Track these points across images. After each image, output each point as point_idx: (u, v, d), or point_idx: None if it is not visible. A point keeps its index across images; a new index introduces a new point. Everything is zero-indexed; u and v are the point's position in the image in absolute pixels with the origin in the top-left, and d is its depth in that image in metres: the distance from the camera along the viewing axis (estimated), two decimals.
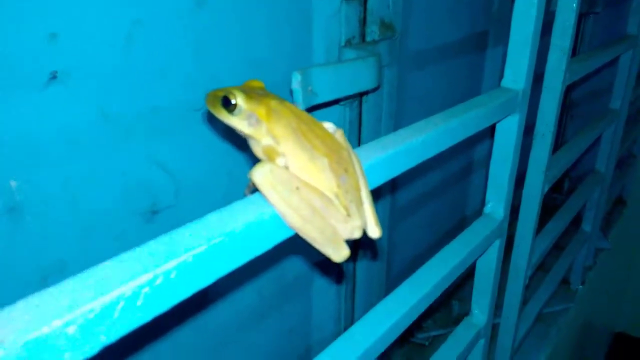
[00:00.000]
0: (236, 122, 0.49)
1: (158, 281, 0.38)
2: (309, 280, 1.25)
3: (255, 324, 1.13)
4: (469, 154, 1.91)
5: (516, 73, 0.90)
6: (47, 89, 0.66)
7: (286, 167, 0.47)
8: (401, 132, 0.66)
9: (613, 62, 1.53)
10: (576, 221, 1.78)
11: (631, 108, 1.84)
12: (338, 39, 1.05)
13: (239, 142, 0.91)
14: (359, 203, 0.50)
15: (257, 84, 0.53)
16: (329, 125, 0.53)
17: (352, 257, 1.33)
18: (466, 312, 1.11)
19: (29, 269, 0.72)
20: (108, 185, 0.76)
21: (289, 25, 0.97)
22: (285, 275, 1.17)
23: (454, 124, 0.72)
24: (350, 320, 1.37)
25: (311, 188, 0.46)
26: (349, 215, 0.48)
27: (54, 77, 0.66)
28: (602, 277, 2.13)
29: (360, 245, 1.31)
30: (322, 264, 1.24)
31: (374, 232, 0.53)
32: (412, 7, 1.29)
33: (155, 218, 0.80)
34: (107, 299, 0.35)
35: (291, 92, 0.81)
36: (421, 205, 1.68)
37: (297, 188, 0.46)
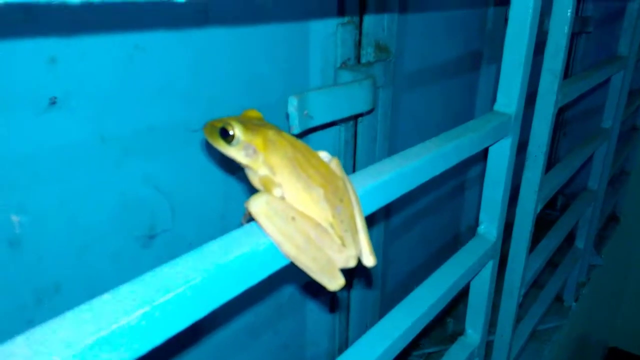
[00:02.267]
0: (233, 152, 0.49)
1: (156, 314, 0.38)
2: (303, 298, 1.26)
3: (250, 341, 1.13)
4: (462, 173, 1.92)
5: (508, 97, 0.92)
6: (46, 114, 0.67)
7: (282, 198, 0.48)
8: (395, 158, 0.67)
9: (605, 82, 1.56)
10: (569, 238, 1.79)
11: (623, 126, 1.87)
12: (334, 60, 1.07)
13: (235, 170, 0.92)
14: (354, 232, 0.51)
15: (254, 114, 0.54)
16: (324, 155, 0.54)
17: (348, 281, 1.33)
18: (461, 331, 1.11)
19: (25, 290, 0.72)
20: (105, 207, 0.77)
21: (286, 47, 0.98)
22: (281, 294, 1.17)
23: (447, 149, 0.73)
24: (344, 337, 1.38)
25: (306, 218, 0.47)
26: (344, 244, 0.49)
27: (53, 102, 0.67)
28: (595, 294, 2.14)
29: (355, 274, 1.32)
30: (317, 286, 1.24)
31: (369, 260, 0.53)
32: (407, 29, 1.31)
33: (152, 242, 0.81)
34: (106, 332, 0.35)
35: (287, 115, 0.82)
36: (415, 223, 1.69)
37: (293, 218, 0.46)
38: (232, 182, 0.93)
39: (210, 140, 0.50)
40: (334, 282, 0.49)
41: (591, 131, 1.63)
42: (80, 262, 0.76)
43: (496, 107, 0.93)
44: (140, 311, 0.38)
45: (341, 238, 0.49)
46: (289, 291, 1.20)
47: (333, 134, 1.09)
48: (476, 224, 1.91)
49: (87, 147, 0.73)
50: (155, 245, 0.81)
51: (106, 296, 0.39)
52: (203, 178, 0.88)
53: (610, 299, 2.62)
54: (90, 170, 0.74)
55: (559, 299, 1.89)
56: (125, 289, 0.39)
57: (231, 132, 0.48)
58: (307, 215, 0.48)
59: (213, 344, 1.02)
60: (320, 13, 1.01)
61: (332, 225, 0.49)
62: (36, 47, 0.65)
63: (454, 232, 1.99)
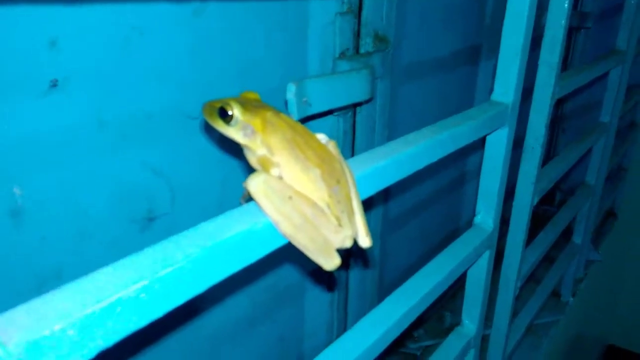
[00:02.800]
0: (232, 132, 0.50)
1: (155, 287, 0.39)
2: (301, 288, 1.26)
3: (247, 331, 1.14)
4: (462, 165, 1.93)
5: (505, 87, 0.92)
6: (47, 96, 0.68)
7: (280, 177, 0.48)
8: (392, 144, 0.68)
9: (603, 77, 1.56)
10: (567, 233, 1.80)
11: (621, 122, 1.87)
12: (332, 50, 1.07)
13: (234, 150, 0.92)
14: (351, 213, 0.52)
15: (253, 95, 0.55)
16: (322, 137, 0.55)
17: (345, 266, 1.34)
18: (458, 323, 1.12)
19: (27, 274, 0.73)
20: (104, 191, 0.77)
21: (284, 35, 0.99)
22: (278, 283, 1.18)
23: (444, 136, 0.74)
24: (342, 329, 1.38)
25: (303, 198, 0.48)
26: (340, 225, 0.50)
27: (54, 85, 0.67)
28: (593, 289, 2.15)
29: (352, 255, 1.32)
30: (315, 272, 1.25)
31: (365, 241, 0.54)
32: (406, 20, 1.31)
33: (151, 225, 0.81)
34: (105, 303, 0.36)
35: (286, 102, 0.82)
36: (414, 216, 1.69)
37: (290, 197, 0.47)
38: (229, 167, 0.93)
39: (209, 120, 0.51)
40: (330, 262, 0.50)
41: (589, 128, 1.64)
42: (81, 246, 0.77)
43: (493, 96, 0.94)
44: (140, 284, 0.38)
45: (337, 218, 0.50)
46: (286, 282, 1.20)
47: (331, 123, 1.10)
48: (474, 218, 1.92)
49: (86, 130, 0.73)
50: (155, 227, 0.81)
51: (107, 269, 0.39)
52: (201, 163, 0.88)
53: (608, 296, 2.63)
54: (89, 153, 0.74)
55: (556, 294, 1.89)
56: (125, 262, 0.40)
57: (230, 113, 0.49)
58: (304, 194, 0.48)
59: (210, 334, 1.03)
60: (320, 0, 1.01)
61: (328, 205, 0.49)
62: (37, 30, 0.65)
63: (454, 225, 2.00)
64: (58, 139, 0.70)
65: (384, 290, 1.52)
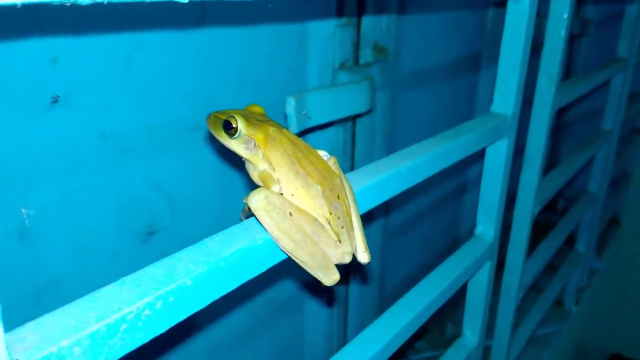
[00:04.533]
0: (235, 145, 0.51)
1: (158, 304, 0.39)
2: (300, 301, 1.26)
3: (247, 343, 1.13)
4: (462, 175, 1.93)
5: (505, 98, 0.92)
6: (49, 112, 0.68)
7: (280, 193, 0.49)
8: (392, 157, 0.68)
9: (605, 84, 1.56)
10: (570, 241, 1.79)
11: (624, 129, 1.87)
12: (332, 61, 1.08)
13: (234, 162, 0.92)
14: (350, 229, 0.52)
15: (257, 109, 0.55)
16: (323, 154, 0.55)
17: (345, 278, 1.34)
18: (459, 334, 1.11)
19: (25, 285, 0.73)
20: (106, 205, 0.78)
21: (284, 48, 0.99)
22: (277, 296, 1.18)
23: (444, 148, 0.74)
24: (342, 340, 1.38)
25: (304, 214, 0.48)
26: (339, 241, 0.50)
27: (55, 101, 0.68)
28: (596, 298, 2.14)
29: (352, 267, 1.32)
30: (314, 284, 1.25)
31: (363, 257, 0.54)
32: (405, 30, 1.31)
33: (151, 239, 0.81)
34: (110, 320, 0.36)
35: (285, 115, 0.83)
36: (414, 226, 1.69)
37: (290, 214, 0.47)
38: (229, 181, 0.94)
39: (213, 132, 0.51)
40: (329, 277, 0.50)
41: (592, 135, 1.64)
42: (80, 259, 0.77)
43: (493, 108, 0.94)
44: (144, 301, 0.39)
45: (337, 234, 0.50)
46: (286, 294, 1.20)
47: (331, 134, 1.10)
48: (473, 228, 1.91)
49: (89, 145, 0.74)
50: (155, 241, 0.81)
51: (111, 286, 0.40)
52: (201, 177, 0.89)
53: (612, 304, 2.62)
54: (91, 168, 0.75)
55: (559, 302, 1.88)
56: (129, 280, 0.40)
57: (234, 125, 0.50)
58: (305, 211, 0.49)
59: (210, 346, 1.03)
60: (319, 13, 1.01)
61: (328, 222, 0.49)
62: (38, 47, 0.66)
63: (454, 235, 1.99)
64: (60, 154, 0.71)
65: (384, 301, 1.52)
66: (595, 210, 1.77)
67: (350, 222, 0.53)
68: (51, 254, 0.74)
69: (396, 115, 1.35)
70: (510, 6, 0.88)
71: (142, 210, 0.80)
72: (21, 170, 0.68)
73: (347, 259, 0.52)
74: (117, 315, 0.37)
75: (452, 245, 1.99)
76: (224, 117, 0.51)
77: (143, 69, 0.78)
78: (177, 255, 0.44)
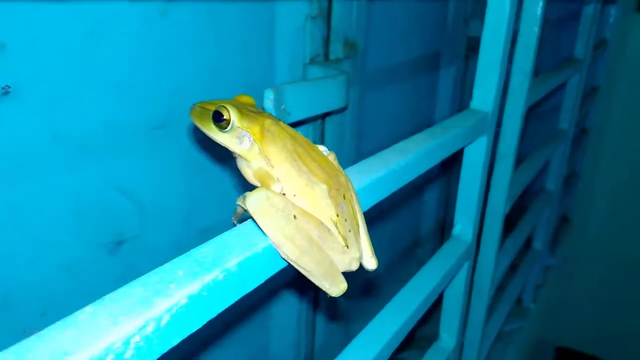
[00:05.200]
0: (226, 139, 0.44)
1: (149, 328, 0.32)
2: (267, 306, 1.20)
3: (215, 352, 1.06)
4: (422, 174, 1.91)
5: (485, 94, 0.90)
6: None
7: (283, 194, 0.43)
8: (383, 155, 0.63)
9: (562, 84, 1.58)
10: (527, 240, 1.81)
11: (575, 128, 1.92)
12: (302, 56, 1.02)
13: (215, 157, 0.85)
14: (357, 232, 0.47)
15: (247, 99, 0.49)
16: (322, 149, 0.49)
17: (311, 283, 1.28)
18: (429, 334, 1.08)
19: None
20: (61, 211, 0.69)
21: (253, 40, 0.93)
22: (243, 302, 1.11)
23: (433, 144, 0.70)
24: (310, 347, 1.32)
25: (309, 217, 0.42)
26: (347, 246, 0.44)
27: (6, 92, 0.59)
28: (551, 295, 2.19)
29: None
30: (282, 289, 1.19)
31: (371, 263, 0.49)
32: (371, 26, 1.28)
33: (120, 249, 0.73)
34: (93, 352, 0.29)
35: (263, 110, 0.76)
36: (376, 226, 1.66)
37: (295, 217, 0.41)
38: (199, 182, 0.86)
39: (199, 125, 0.44)
40: (337, 287, 0.45)
41: (544, 135, 1.66)
42: (33, 272, 0.68)
43: (472, 104, 0.91)
44: (132, 325, 0.32)
45: (345, 239, 0.44)
46: (252, 300, 1.13)
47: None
48: (436, 225, 1.90)
49: (41, 144, 0.65)
50: (123, 252, 0.73)
51: (90, 309, 0.33)
52: (169, 178, 0.81)
53: (562, 299, 2.70)
54: (43, 169, 0.66)
55: (518, 300, 1.90)
56: (110, 300, 0.33)
57: (225, 117, 0.43)
58: (310, 213, 0.43)
59: (171, 354, 0.95)
60: None
61: (335, 225, 0.44)
62: None
63: (415, 234, 1.98)
64: (9, 153, 0.62)
65: (351, 302, 1.48)
66: (551, 208, 1.80)
67: (357, 224, 0.47)
68: None
69: (363, 112, 1.31)
70: (491, 1, 0.85)
71: (106, 217, 0.71)
72: None
73: (355, 266, 0.46)
74: (101, 346, 0.30)
75: (417, 241, 1.98)
76: (213, 108, 0.44)
77: (102, 60, 0.70)
78: (167, 267, 0.37)
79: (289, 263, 0.43)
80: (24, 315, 0.70)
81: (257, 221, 0.41)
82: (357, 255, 0.46)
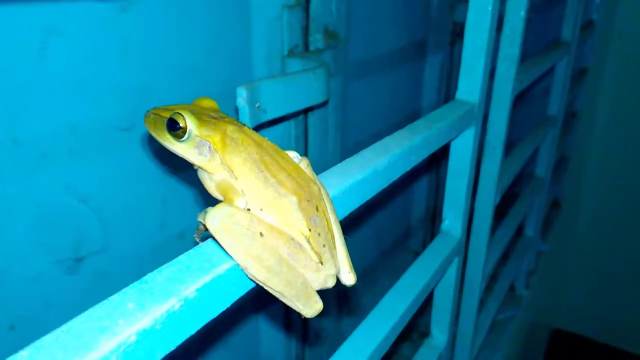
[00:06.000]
0: (183, 150, 0.40)
1: None
2: (255, 310, 1.16)
3: (201, 354, 1.02)
4: None
5: (471, 85, 0.86)
6: None
7: (248, 209, 0.38)
8: (364, 154, 0.59)
9: (550, 69, 1.55)
10: (518, 227, 1.79)
11: (564, 111, 1.88)
12: (280, 47, 0.98)
13: (179, 165, 0.81)
14: (332, 247, 0.43)
15: (209, 103, 0.44)
16: (293, 155, 0.45)
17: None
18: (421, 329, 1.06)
19: None
20: (18, 223, 0.64)
21: (226, 32, 0.88)
22: (230, 307, 1.07)
23: (418, 141, 0.66)
24: (301, 349, 1.29)
25: (278, 233, 0.38)
26: (321, 262, 0.40)
27: None
28: (542, 280, 2.17)
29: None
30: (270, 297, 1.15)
31: (349, 279, 0.45)
32: (352, 15, 1.23)
33: (80, 266, 0.68)
34: None
35: (236, 109, 0.72)
36: (365, 218, 1.63)
37: (262, 234, 0.37)
38: (170, 185, 0.82)
39: (154, 133, 0.40)
40: (311, 307, 0.41)
41: (533, 117, 1.63)
42: None
43: (458, 95, 0.87)
44: None
45: (318, 254, 0.40)
46: (239, 304, 1.09)
47: (282, 130, 1.00)
48: (426, 215, 1.87)
49: (0, 150, 0.60)
50: (84, 270, 0.68)
51: (23, 354, 0.28)
52: (136, 184, 0.76)
53: (554, 283, 2.69)
54: (1, 177, 0.61)
55: (510, 288, 1.88)
56: (50, 340, 0.29)
57: (181, 125, 0.39)
58: (278, 229, 0.39)
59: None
60: None
61: (308, 240, 0.40)
62: None
63: (405, 225, 1.95)
64: None
65: (342, 301, 1.45)
66: (542, 194, 1.77)
67: (332, 237, 0.43)
68: None
69: (347, 105, 1.27)
70: None
71: (66, 230, 0.67)
72: None
73: (331, 283, 0.42)
74: None
75: (405, 235, 1.95)
76: (167, 115, 0.40)
77: (62, 59, 0.65)
78: (115, 298, 0.33)
79: (257, 284, 0.39)
80: None
81: (219, 241, 0.37)
82: (333, 271, 0.42)
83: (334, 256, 0.42)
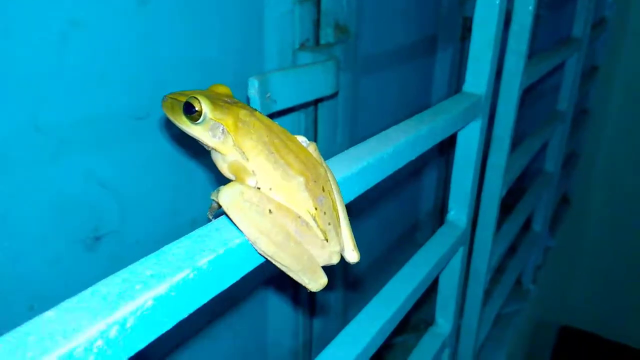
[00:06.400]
0: (198, 132, 0.43)
1: (112, 332, 0.31)
2: (264, 296, 1.19)
3: (208, 344, 1.06)
4: (418, 157, 1.90)
5: (478, 77, 0.88)
6: None
7: (258, 188, 0.41)
8: (370, 142, 0.62)
9: (560, 64, 1.56)
10: (525, 221, 1.80)
11: (575, 109, 1.89)
12: (291, 41, 1.00)
13: (193, 152, 0.84)
14: (337, 225, 0.45)
15: (223, 89, 0.47)
16: (302, 139, 0.48)
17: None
18: (426, 319, 1.08)
19: None
20: (42, 205, 0.68)
21: (239, 25, 0.91)
22: (239, 293, 1.10)
23: (424, 131, 0.69)
24: (309, 334, 1.32)
25: (286, 211, 0.41)
26: (326, 239, 0.43)
27: None
28: (550, 275, 2.18)
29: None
30: (279, 279, 1.18)
31: (352, 256, 0.48)
32: (364, 10, 1.25)
33: (98, 245, 0.72)
34: (52, 358, 0.28)
35: (247, 99, 0.75)
36: (373, 211, 1.65)
37: (270, 211, 0.40)
38: (183, 174, 0.85)
39: (171, 117, 0.43)
40: (316, 282, 0.43)
41: (543, 116, 1.64)
42: (15, 267, 0.67)
43: (465, 87, 0.89)
44: (95, 329, 0.31)
45: (324, 232, 0.43)
46: (249, 289, 1.13)
47: (292, 120, 1.02)
48: (434, 208, 1.89)
49: (20, 137, 0.63)
50: (102, 247, 0.72)
51: (52, 313, 0.31)
52: (151, 171, 0.79)
53: (562, 280, 2.69)
54: (23, 163, 0.64)
55: (517, 282, 1.90)
56: (74, 303, 0.32)
57: (197, 108, 0.41)
58: (286, 207, 0.41)
59: (169, 348, 0.94)
60: None
61: (314, 218, 0.42)
62: None
63: (414, 216, 1.97)
64: None
65: (349, 290, 1.47)
66: (550, 189, 1.78)
67: (337, 217, 0.46)
68: None
69: (357, 99, 1.29)
70: None
71: (85, 212, 0.70)
72: None
73: (335, 260, 0.45)
74: (61, 352, 0.29)
75: (413, 227, 1.97)
76: (184, 99, 0.42)
77: (82, 50, 0.68)
78: (135, 266, 0.36)
79: (266, 259, 0.42)
80: (12, 310, 0.69)
81: (230, 217, 0.39)
82: (337, 248, 0.44)
83: (338, 234, 0.45)
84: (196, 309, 0.38)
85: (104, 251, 0.71)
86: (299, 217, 0.42)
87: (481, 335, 1.36)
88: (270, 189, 0.42)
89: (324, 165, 0.48)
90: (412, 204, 1.95)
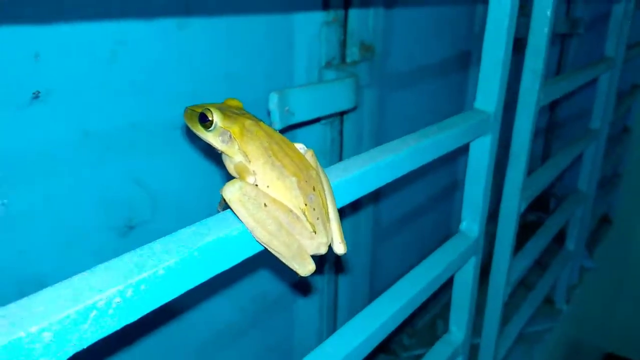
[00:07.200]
0: (210, 138, 0.51)
1: (129, 292, 0.40)
2: (291, 297, 1.27)
3: (236, 340, 1.14)
4: (453, 172, 1.94)
5: (488, 95, 0.93)
6: (29, 108, 0.69)
7: (255, 185, 0.49)
8: (372, 152, 0.69)
9: (593, 83, 1.57)
10: (560, 240, 1.80)
11: (614, 128, 1.88)
12: (318, 59, 1.08)
13: (215, 157, 0.93)
14: (326, 220, 0.53)
15: (235, 103, 0.56)
16: (300, 147, 0.56)
17: (334, 274, 1.35)
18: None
19: (8, 282, 0.73)
20: (88, 202, 0.78)
21: (270, 46, 1.00)
22: (267, 292, 1.18)
23: (425, 144, 0.75)
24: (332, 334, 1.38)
25: (279, 205, 0.49)
26: (314, 231, 0.51)
27: (36, 96, 0.68)
28: (588, 297, 2.15)
29: (342, 265, 1.33)
30: (304, 281, 1.26)
31: (339, 248, 0.55)
32: (394, 29, 1.32)
33: (131, 233, 0.82)
34: (80, 307, 0.37)
35: (269, 112, 0.83)
36: (406, 223, 1.70)
37: (265, 205, 0.48)
38: (209, 175, 0.94)
39: (189, 125, 0.52)
40: (305, 267, 0.51)
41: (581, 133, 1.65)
42: (64, 256, 0.77)
43: (476, 104, 0.94)
44: (114, 289, 0.39)
45: (312, 225, 0.51)
46: (275, 291, 1.21)
47: (318, 131, 1.10)
48: None
49: (70, 142, 0.74)
50: (134, 235, 0.82)
51: (82, 274, 0.40)
52: (182, 172, 0.89)
53: (605, 303, 2.63)
54: (73, 165, 0.75)
55: (549, 301, 1.89)
56: (100, 268, 0.41)
57: (210, 118, 0.50)
58: (280, 202, 0.49)
59: (199, 342, 1.03)
60: (305, 6, 1.02)
61: (304, 213, 0.50)
62: (21, 42, 0.67)
63: (445, 232, 2.00)
64: (42, 150, 0.71)
65: (374, 298, 1.52)
66: (585, 208, 1.78)
67: (327, 213, 0.54)
68: (35, 251, 0.74)
69: (384, 114, 1.36)
70: (492, 2, 0.89)
71: (122, 206, 0.81)
72: (1, 167, 0.68)
73: (323, 250, 0.52)
74: (87, 302, 0.38)
75: (446, 239, 2.00)
76: (200, 110, 0.52)
77: (127, 65, 0.79)
78: (151, 244, 0.45)
79: (263, 246, 0.50)
80: None
81: (232, 208, 0.48)
82: (325, 240, 0.52)
83: (326, 228, 0.53)
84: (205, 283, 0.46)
85: (135, 238, 0.81)
86: (291, 211, 0.50)
87: (502, 349, 1.39)
88: (268, 186, 0.50)
89: (319, 168, 0.56)
90: (443, 220, 1.99)
